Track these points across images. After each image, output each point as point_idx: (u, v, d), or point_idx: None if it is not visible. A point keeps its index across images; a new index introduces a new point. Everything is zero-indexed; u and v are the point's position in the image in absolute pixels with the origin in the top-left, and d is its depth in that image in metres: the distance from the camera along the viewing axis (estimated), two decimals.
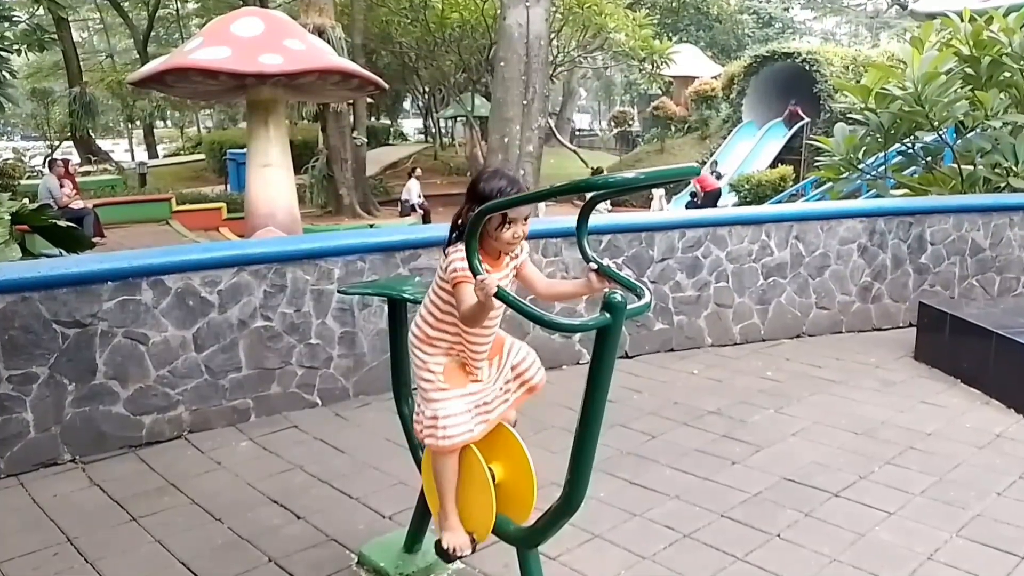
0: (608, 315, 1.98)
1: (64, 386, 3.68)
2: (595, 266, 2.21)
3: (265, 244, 4.39)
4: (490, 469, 2.44)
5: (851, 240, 5.78)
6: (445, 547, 2.40)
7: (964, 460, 3.67)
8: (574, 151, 26.28)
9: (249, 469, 3.67)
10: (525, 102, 9.00)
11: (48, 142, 31.38)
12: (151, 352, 3.88)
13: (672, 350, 5.35)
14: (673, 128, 25.33)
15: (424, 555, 2.77)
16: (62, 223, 5.94)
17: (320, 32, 12.50)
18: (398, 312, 2.71)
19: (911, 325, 5.68)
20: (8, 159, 20.39)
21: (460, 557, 2.42)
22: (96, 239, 12.56)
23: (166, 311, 3.90)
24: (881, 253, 5.88)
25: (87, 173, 20.71)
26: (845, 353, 5.36)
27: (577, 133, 42.53)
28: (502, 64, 9.30)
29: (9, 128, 38.85)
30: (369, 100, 21.23)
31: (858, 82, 7.81)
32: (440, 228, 5.90)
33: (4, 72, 13.43)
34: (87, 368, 3.73)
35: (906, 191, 7.86)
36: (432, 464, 2.40)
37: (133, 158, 29.37)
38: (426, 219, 16.04)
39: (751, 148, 21.89)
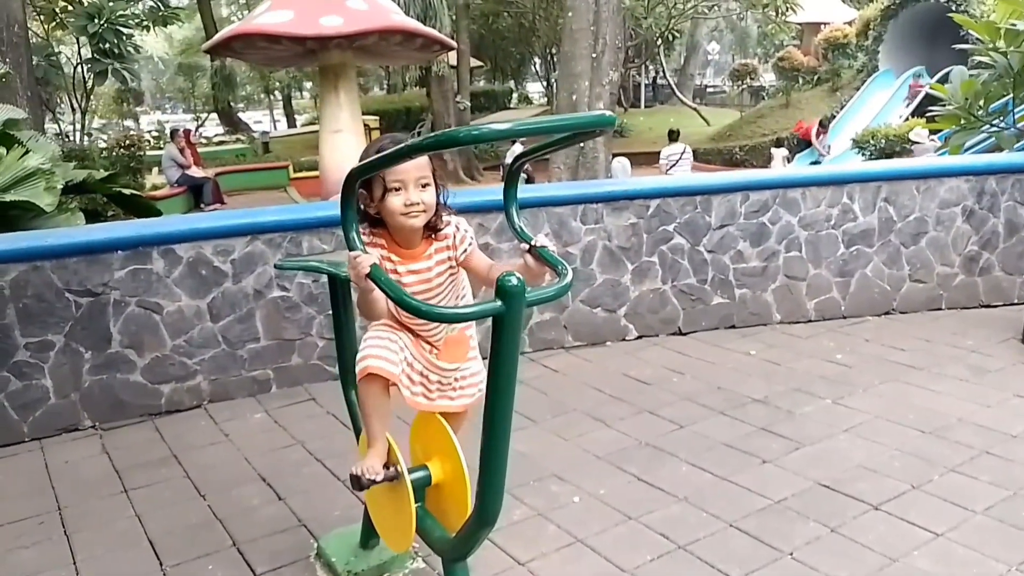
0: (500, 303, 1.65)
1: (80, 354, 3.75)
2: (526, 246, 1.88)
3: (279, 212, 4.29)
4: (426, 467, 2.21)
5: (954, 203, 4.97)
6: (353, 471, 2.10)
7: None
8: (695, 109, 25.01)
9: (252, 443, 3.61)
10: (594, 55, 8.36)
11: (194, 114, 33.62)
12: (166, 321, 3.88)
13: (733, 327, 4.83)
14: (801, 80, 23.41)
15: (379, 552, 2.59)
16: (127, 191, 6.14)
17: None
18: (340, 291, 2.46)
19: None
20: (151, 131, 22.02)
21: (372, 482, 2.08)
22: (216, 205, 13.38)
23: (179, 280, 3.88)
24: (992, 217, 5.03)
25: (222, 143, 21.95)
26: (938, 334, 4.65)
27: (707, 90, 40.81)
28: (569, 14, 8.64)
29: (172, 102, 41.99)
30: (478, 63, 20.93)
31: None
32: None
33: (129, 47, 14.26)
34: (102, 336, 3.77)
35: None
36: (358, 392, 2.18)
37: (274, 128, 30.91)
38: (530, 182, 15.75)
39: (887, 100, 19.83)
